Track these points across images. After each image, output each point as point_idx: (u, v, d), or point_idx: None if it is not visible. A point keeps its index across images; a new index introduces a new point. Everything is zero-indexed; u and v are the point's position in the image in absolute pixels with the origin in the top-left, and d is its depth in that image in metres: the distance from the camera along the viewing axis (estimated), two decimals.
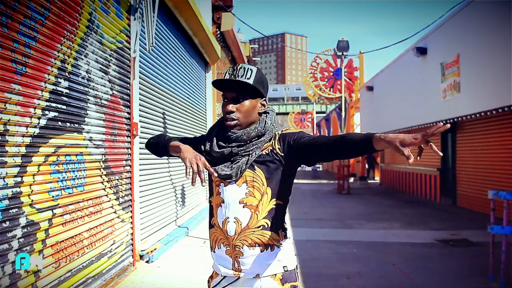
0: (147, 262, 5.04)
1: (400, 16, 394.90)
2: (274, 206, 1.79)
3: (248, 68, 1.76)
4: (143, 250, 5.13)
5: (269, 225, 1.77)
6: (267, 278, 1.79)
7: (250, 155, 1.76)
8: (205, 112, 9.72)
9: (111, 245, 4.34)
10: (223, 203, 1.80)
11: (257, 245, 1.77)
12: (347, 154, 1.71)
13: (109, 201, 4.34)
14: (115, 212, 4.49)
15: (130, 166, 4.91)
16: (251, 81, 1.74)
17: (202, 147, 1.84)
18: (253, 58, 29.12)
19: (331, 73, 26.28)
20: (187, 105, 7.89)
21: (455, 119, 10.54)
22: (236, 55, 13.86)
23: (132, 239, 4.90)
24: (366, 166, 24.02)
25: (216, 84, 1.82)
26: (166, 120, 6.47)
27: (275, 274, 1.79)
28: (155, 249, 5.34)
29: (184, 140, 1.95)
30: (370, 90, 18.88)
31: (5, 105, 2.72)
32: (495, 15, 8.64)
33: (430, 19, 47.09)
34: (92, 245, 3.90)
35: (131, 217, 4.90)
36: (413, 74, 13.36)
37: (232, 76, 1.74)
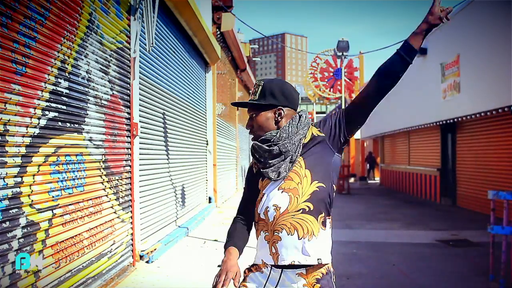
0: (147, 262, 5.04)
1: (400, 16, 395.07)
2: (317, 189, 1.77)
3: (258, 85, 1.90)
4: (143, 250, 5.13)
5: (311, 209, 1.76)
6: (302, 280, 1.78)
7: (292, 156, 1.81)
8: (205, 112, 9.72)
9: (111, 245, 4.34)
10: (263, 196, 1.84)
11: (295, 230, 1.75)
12: (389, 79, 1.76)
13: (109, 201, 4.34)
14: (115, 212, 4.48)
15: (130, 166, 4.91)
16: (256, 97, 1.88)
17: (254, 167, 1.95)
18: (253, 58, 29.14)
19: (331, 73, 26.23)
20: (187, 105, 7.89)
21: (455, 119, 10.55)
22: (236, 55, 13.84)
23: (132, 239, 4.90)
24: (367, 166, 24.04)
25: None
26: (166, 120, 6.47)
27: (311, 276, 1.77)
28: (155, 249, 5.34)
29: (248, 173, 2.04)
30: None
31: (5, 105, 2.72)
32: (495, 15, 8.64)
33: None
34: (92, 245, 3.90)
35: (131, 217, 4.89)
36: (413, 74, 13.35)
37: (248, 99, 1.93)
